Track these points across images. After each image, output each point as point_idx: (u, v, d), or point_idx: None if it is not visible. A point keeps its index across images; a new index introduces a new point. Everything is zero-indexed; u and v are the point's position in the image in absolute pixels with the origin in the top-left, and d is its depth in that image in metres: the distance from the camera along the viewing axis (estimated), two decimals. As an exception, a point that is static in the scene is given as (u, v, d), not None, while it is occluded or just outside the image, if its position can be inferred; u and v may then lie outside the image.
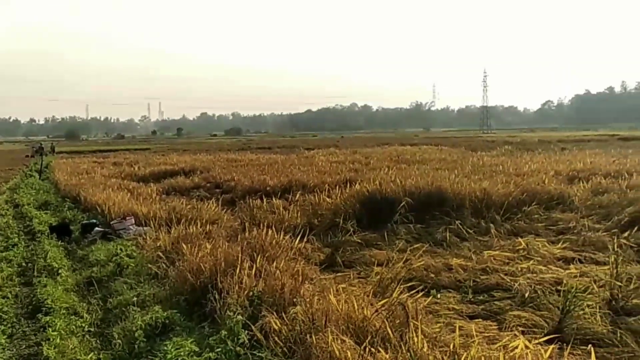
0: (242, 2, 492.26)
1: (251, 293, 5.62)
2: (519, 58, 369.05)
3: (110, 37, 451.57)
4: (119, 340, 5.68)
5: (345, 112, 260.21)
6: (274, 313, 5.15)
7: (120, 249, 9.36)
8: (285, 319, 5.00)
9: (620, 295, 6.38)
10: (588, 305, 6.09)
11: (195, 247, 7.63)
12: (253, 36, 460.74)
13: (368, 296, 5.56)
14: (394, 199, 11.96)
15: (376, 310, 4.83)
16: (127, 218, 11.69)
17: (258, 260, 6.65)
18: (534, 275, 7.63)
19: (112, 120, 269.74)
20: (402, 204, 11.45)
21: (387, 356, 4.18)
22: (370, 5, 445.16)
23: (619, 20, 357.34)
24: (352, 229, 10.49)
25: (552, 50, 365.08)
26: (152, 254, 8.57)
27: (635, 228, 9.83)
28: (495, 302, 6.85)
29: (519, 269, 7.99)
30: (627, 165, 18.76)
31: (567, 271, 7.81)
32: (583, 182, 15.18)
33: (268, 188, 16.59)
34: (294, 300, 5.40)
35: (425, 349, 4.24)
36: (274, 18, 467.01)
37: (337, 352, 4.23)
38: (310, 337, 4.51)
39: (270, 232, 8.36)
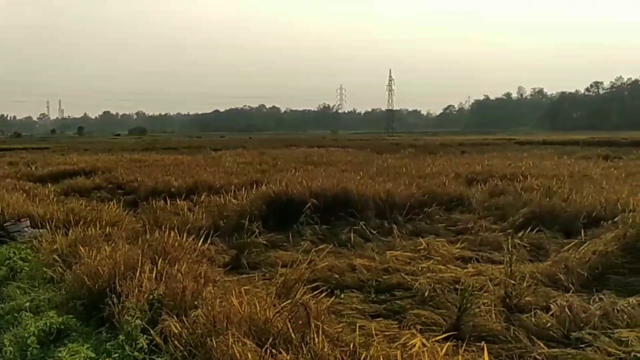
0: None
1: (151, 296, 5.46)
2: (423, 63, 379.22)
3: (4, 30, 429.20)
4: (10, 348, 5.38)
5: (254, 113, 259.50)
6: (175, 317, 5.04)
7: (14, 252, 8.89)
8: (186, 322, 4.90)
9: (514, 293, 6.65)
10: (484, 303, 6.32)
11: (94, 250, 7.36)
12: (158, 33, 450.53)
13: (271, 298, 5.53)
14: (300, 200, 12.00)
15: (278, 312, 4.82)
16: (22, 220, 11.12)
17: (159, 263, 6.49)
18: (434, 274, 7.85)
19: (8, 118, 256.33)
20: (308, 205, 11.51)
21: (288, 357, 4.18)
22: (277, 6, 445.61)
23: (514, 29, 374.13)
24: (258, 231, 10.46)
25: (453, 56, 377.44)
26: (48, 257, 8.19)
27: (529, 228, 10.29)
28: (397, 301, 7.00)
29: (420, 268, 8.20)
30: (522, 168, 19.63)
31: (465, 270, 8.09)
32: (481, 184, 15.76)
33: (173, 189, 16.27)
34: (196, 303, 5.30)
35: (325, 349, 4.27)
36: (178, 16, 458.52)
37: (237, 355, 4.18)
38: (211, 340, 4.44)
39: (173, 234, 8.18)
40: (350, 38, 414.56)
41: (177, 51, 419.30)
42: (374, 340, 4.61)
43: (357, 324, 5.22)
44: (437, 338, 4.79)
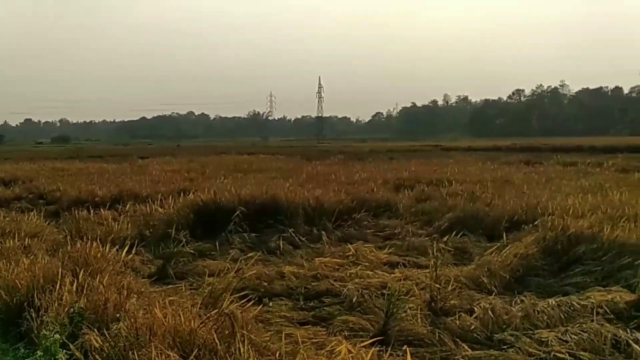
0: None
1: (72, 310, 5.28)
2: (352, 70, 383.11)
3: None
4: None
5: (182, 120, 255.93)
6: (96, 330, 4.88)
7: None
8: (107, 336, 4.75)
9: (439, 297, 6.77)
10: (410, 308, 6.40)
11: (12, 263, 7.07)
12: (81, 37, 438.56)
13: (197, 308, 5.43)
14: (229, 208, 11.86)
15: (202, 322, 4.73)
16: None
17: (81, 275, 6.28)
18: (362, 280, 7.91)
19: None
20: (236, 214, 11.40)
21: (213, 368, 4.12)
22: (205, 11, 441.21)
23: (439, 38, 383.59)
24: (185, 240, 10.28)
25: (382, 64, 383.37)
26: (-39, 272, 7.80)
27: (454, 232, 10.53)
28: (325, 308, 7.01)
29: (348, 274, 8.25)
30: (447, 174, 20.09)
31: (392, 275, 8.17)
32: (408, 190, 16.03)
33: (97, 198, 15.80)
34: (118, 315, 5.15)
35: (251, 359, 4.22)
36: (103, 20, 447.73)
37: (160, 368, 4.09)
38: (133, 353, 4.33)
39: (95, 244, 7.93)
40: (280, 45, 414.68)
41: (103, 57, 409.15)
42: (300, 348, 4.60)
43: (285, 332, 5.20)
44: (364, 344, 4.82)
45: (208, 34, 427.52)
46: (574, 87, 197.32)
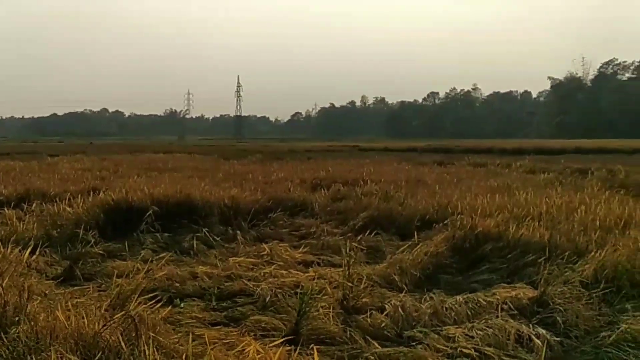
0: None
1: (-33, 314, 5.01)
2: (272, 70, 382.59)
3: None
4: None
5: (95, 117, 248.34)
6: (-7, 335, 4.65)
7: None
8: (5, 340, 4.53)
9: (351, 295, 6.83)
10: (322, 306, 6.43)
11: None
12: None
13: (104, 310, 5.26)
14: (141, 207, 11.58)
15: (104, 324, 4.58)
16: None
17: (-22, 278, 5.97)
18: (276, 279, 7.89)
19: None
20: (149, 213, 11.15)
21: (117, 372, 4.00)
22: (120, 5, 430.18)
23: (358, 39, 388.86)
24: (94, 240, 9.97)
25: (301, 64, 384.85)
26: None
27: (368, 231, 10.68)
28: (238, 308, 6.95)
29: (262, 274, 8.21)
30: (363, 174, 20.33)
31: (306, 274, 8.21)
32: (325, 190, 16.12)
33: (1, 197, 15.09)
34: (18, 319, 4.92)
35: (157, 361, 4.13)
36: (9, 11, 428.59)
37: (61, 372, 3.93)
38: (32, 357, 4.15)
39: (-4, 245, 7.57)
40: (198, 43, 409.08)
41: (10, 50, 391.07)
42: (209, 349, 4.53)
43: (195, 333, 5.12)
44: (274, 344, 4.81)
45: (124, 28, 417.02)
46: (486, 91, 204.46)
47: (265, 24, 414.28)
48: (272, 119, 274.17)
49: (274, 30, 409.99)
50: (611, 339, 5.55)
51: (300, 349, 5.13)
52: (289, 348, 5.00)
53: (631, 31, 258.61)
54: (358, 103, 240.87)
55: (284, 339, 5.26)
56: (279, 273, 8.23)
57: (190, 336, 4.66)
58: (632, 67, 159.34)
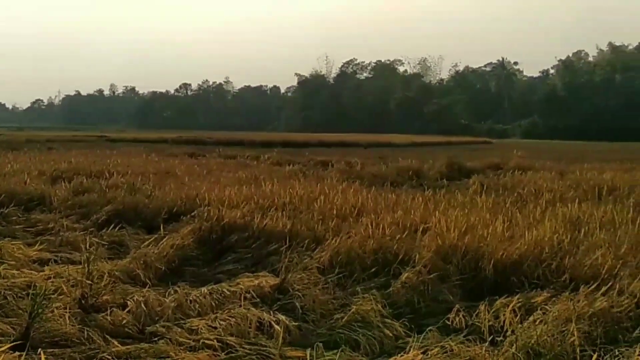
0: None
1: None
2: (13, 53, 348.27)
3: None
4: None
5: None
6: None
7: None
8: None
9: (90, 293, 6.49)
10: (58, 307, 6.01)
11: None
12: None
13: None
14: None
15: None
16: None
17: None
18: (6, 280, 7.20)
19: None
20: None
21: None
22: None
23: (105, 28, 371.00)
24: None
25: (42, 48, 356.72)
26: None
27: (112, 226, 10.25)
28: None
29: (-11, 275, 7.45)
30: (110, 166, 19.52)
31: (41, 273, 7.59)
32: (66, 182, 15.14)
33: None
34: None
35: None
36: None
37: None
38: None
39: None
40: None
41: None
42: None
43: None
44: (4, 348, 4.39)
45: None
46: (237, 85, 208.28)
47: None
48: (9, 105, 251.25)
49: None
50: (344, 320, 5.96)
51: (26, 355, 4.74)
52: (16, 354, 4.60)
53: (365, 34, 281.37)
54: (107, 92, 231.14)
55: (12, 344, 4.83)
56: (9, 273, 7.49)
57: None
58: (369, 67, 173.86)
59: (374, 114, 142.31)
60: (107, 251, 8.99)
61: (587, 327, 5.45)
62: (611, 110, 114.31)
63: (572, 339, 5.06)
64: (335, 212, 10.46)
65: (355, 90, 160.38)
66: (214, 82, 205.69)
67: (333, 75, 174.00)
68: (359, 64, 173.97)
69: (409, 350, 5.13)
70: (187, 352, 5.23)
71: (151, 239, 8.94)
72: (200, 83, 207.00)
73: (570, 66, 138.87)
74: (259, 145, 49.95)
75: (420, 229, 8.94)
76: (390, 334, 5.76)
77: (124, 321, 5.95)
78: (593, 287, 6.33)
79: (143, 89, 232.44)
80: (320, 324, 6.08)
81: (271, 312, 6.04)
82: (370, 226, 8.81)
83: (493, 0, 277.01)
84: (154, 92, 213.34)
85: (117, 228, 10.19)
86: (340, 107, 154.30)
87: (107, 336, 5.60)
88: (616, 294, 6.14)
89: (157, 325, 5.86)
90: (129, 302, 6.36)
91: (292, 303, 6.50)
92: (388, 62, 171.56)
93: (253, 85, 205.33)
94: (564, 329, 5.27)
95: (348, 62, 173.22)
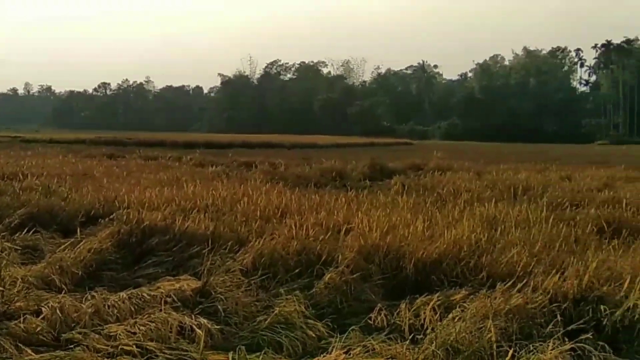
0: None
1: None
2: None
3: None
4: None
5: None
6: None
7: None
8: None
9: (2, 300, 6.22)
10: (-34, 315, 5.74)
11: None
12: None
13: None
14: None
15: None
16: None
17: None
18: None
19: None
20: None
21: None
22: None
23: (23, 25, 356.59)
24: None
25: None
26: None
27: (25, 229, 9.84)
28: None
29: None
30: (23, 167, 18.79)
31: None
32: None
33: None
34: None
35: None
36: None
37: None
38: None
39: None
40: None
41: None
42: None
43: None
44: None
45: None
46: (159, 84, 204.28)
47: None
48: None
49: None
50: (267, 322, 5.92)
51: None
52: None
53: (292, 34, 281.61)
54: (21, 91, 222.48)
55: None
56: None
57: None
58: (293, 69, 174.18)
59: (298, 115, 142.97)
60: (20, 256, 8.57)
61: (503, 323, 5.62)
62: (525, 112, 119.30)
63: (489, 336, 5.21)
64: (258, 213, 10.43)
65: (279, 91, 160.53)
66: (134, 82, 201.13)
67: (257, 76, 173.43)
68: (282, 65, 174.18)
69: (332, 350, 5.18)
70: (105, 359, 5.09)
71: (67, 243, 8.64)
72: (120, 82, 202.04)
73: (487, 70, 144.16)
74: (181, 146, 49.23)
75: (343, 229, 9.02)
76: (313, 335, 5.78)
77: (38, 328, 5.72)
78: (509, 284, 6.54)
79: (60, 88, 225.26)
80: (243, 327, 6.03)
81: (193, 316, 5.94)
82: (293, 227, 8.84)
83: (414, 4, 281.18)
84: (72, 92, 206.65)
85: (32, 232, 9.74)
86: (264, 108, 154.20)
87: (20, 344, 5.36)
88: (531, 290, 6.36)
89: (73, 332, 5.66)
90: (43, 309, 6.11)
91: (214, 306, 6.41)
92: (312, 63, 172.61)
93: (175, 85, 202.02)
94: (481, 325, 5.43)
95: (272, 63, 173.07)
